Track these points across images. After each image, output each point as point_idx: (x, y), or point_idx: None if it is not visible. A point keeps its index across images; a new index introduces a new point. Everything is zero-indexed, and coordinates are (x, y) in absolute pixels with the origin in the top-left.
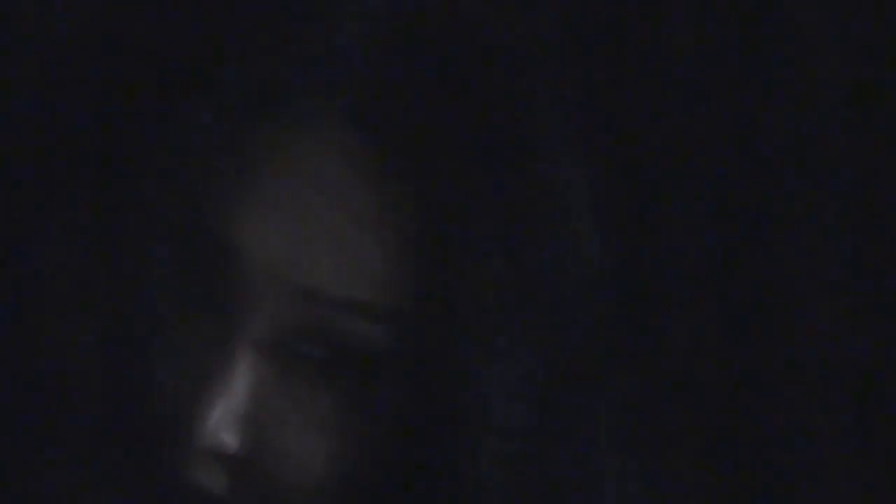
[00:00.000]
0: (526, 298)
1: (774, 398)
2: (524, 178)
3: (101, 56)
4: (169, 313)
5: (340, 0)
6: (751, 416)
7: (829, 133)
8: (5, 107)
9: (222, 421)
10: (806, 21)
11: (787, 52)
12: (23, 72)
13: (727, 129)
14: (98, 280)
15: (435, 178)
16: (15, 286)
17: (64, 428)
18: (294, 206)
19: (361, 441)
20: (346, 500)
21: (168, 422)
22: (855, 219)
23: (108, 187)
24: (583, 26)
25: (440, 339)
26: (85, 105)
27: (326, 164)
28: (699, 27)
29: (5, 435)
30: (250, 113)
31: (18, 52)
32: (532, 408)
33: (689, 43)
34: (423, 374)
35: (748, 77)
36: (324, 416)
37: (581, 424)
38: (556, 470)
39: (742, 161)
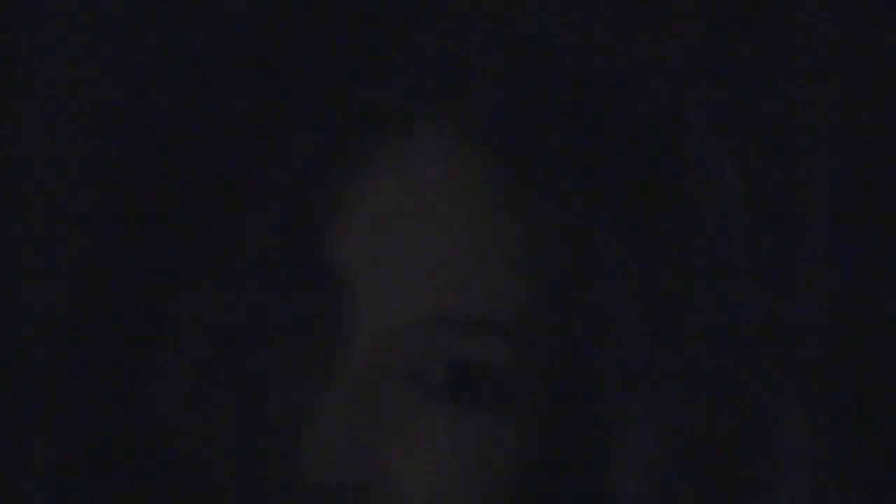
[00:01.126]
0: (669, 327)
1: None
2: (666, 204)
3: (221, 88)
4: (280, 341)
5: (468, 26)
6: None
7: None
8: (135, 140)
9: (331, 451)
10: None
11: None
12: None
13: None
14: (211, 309)
15: (565, 203)
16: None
17: (178, 463)
18: (414, 229)
19: (484, 473)
20: None
21: (279, 452)
22: None
23: (224, 213)
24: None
25: (572, 364)
26: (203, 133)
27: (451, 188)
28: None
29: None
30: (371, 139)
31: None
32: (672, 451)
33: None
34: (553, 403)
35: None
36: (445, 445)
37: (727, 461)
38: None
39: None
